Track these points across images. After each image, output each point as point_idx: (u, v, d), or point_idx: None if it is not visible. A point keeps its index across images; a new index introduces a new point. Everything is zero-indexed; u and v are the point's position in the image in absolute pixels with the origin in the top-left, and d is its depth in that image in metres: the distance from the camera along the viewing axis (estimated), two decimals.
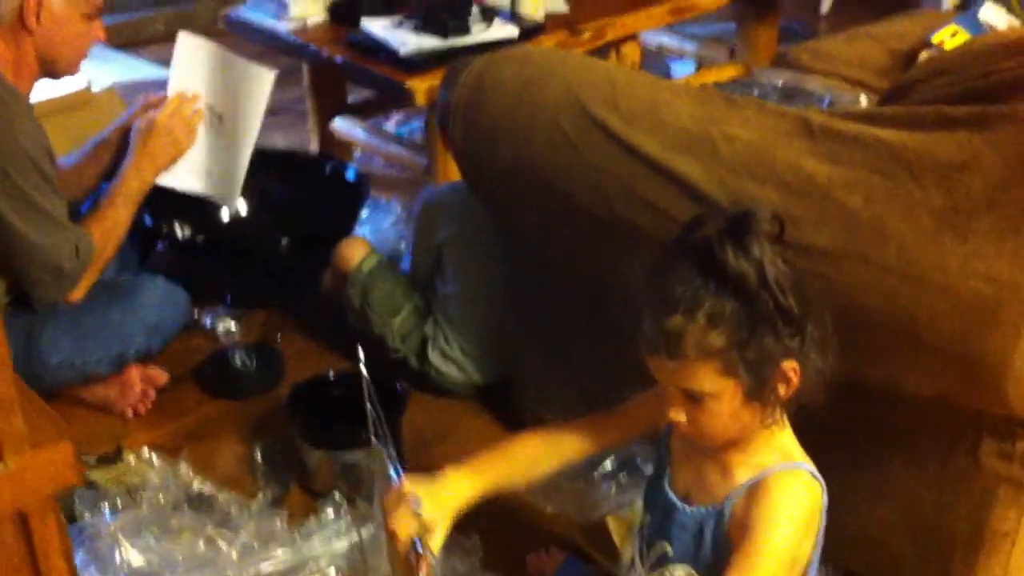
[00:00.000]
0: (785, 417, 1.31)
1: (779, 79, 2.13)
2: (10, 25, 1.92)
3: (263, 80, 2.25)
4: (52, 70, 2.04)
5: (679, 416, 1.26)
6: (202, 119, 2.19)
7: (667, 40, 3.38)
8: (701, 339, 1.19)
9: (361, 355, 1.54)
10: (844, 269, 1.44)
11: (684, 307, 1.19)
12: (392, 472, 1.39)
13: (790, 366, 1.23)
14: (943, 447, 1.52)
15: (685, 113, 1.63)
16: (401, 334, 2.18)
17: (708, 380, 1.22)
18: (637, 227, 1.64)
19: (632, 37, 2.82)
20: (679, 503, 1.34)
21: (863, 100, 2.04)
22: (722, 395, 1.23)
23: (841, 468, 1.52)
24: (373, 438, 1.45)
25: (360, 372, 1.47)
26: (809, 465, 1.29)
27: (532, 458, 1.46)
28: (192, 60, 2.22)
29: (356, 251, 2.25)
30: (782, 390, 1.25)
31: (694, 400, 1.24)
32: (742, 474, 1.29)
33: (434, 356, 2.15)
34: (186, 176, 2.20)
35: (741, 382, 1.22)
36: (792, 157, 1.50)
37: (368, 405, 1.46)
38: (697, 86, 1.82)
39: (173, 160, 2.16)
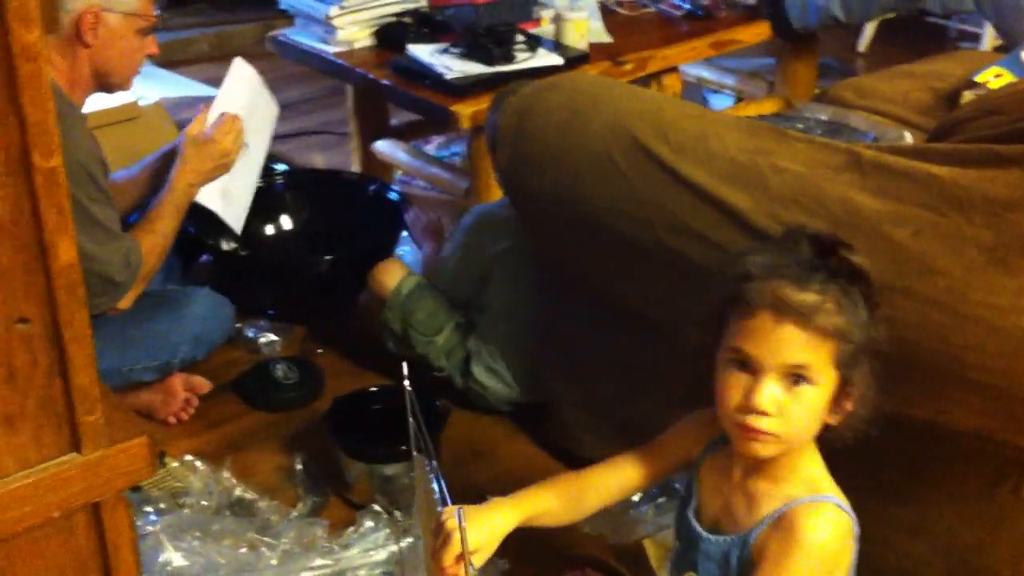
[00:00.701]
0: (815, 447, 1.32)
1: (823, 114, 2.15)
2: (66, 38, 1.96)
3: (274, 113, 2.34)
4: (106, 84, 2.09)
5: (768, 403, 1.22)
6: (241, 127, 2.23)
7: (706, 73, 3.41)
8: (834, 317, 1.21)
9: (405, 369, 1.53)
10: (891, 302, 1.46)
11: (821, 281, 1.21)
12: (435, 485, 1.41)
13: (858, 383, 1.25)
14: (985, 484, 1.52)
15: (734, 144, 1.65)
16: (445, 351, 2.20)
17: (822, 362, 1.22)
18: (683, 256, 1.66)
19: (673, 69, 2.86)
20: (704, 533, 1.35)
21: (907, 137, 2.06)
22: (824, 385, 1.23)
23: (879, 502, 1.53)
24: (415, 451, 1.47)
25: (404, 386, 1.48)
26: (837, 497, 1.29)
27: (576, 496, 1.46)
28: (240, 86, 2.27)
29: (393, 274, 2.26)
30: (848, 406, 1.26)
31: (795, 382, 1.22)
32: (768, 505, 1.29)
33: (479, 372, 2.17)
34: (207, 193, 2.22)
35: (838, 379, 1.23)
36: (841, 190, 1.52)
37: (411, 417, 1.48)
38: (746, 119, 1.85)
39: (220, 173, 2.19)
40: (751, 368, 1.23)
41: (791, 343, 1.21)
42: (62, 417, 0.84)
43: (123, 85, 2.13)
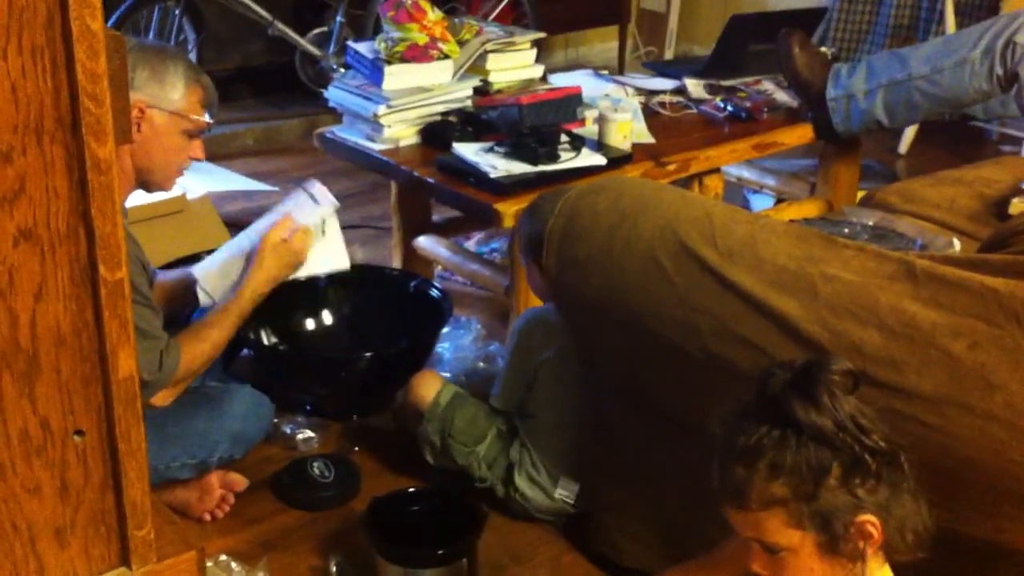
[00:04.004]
0: (881, 561, 1.29)
1: (870, 219, 2.14)
2: None
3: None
4: (146, 182, 2.07)
5: (761, 570, 1.26)
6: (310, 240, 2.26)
7: (747, 173, 3.43)
8: (763, 489, 1.20)
9: None
10: (947, 416, 1.43)
11: (747, 457, 1.21)
12: None
13: (867, 520, 1.21)
14: None
15: (783, 251, 1.64)
16: (487, 461, 2.15)
17: (777, 532, 1.22)
18: (730, 363, 1.64)
19: (716, 170, 2.87)
20: None
21: (956, 244, 2.04)
22: (796, 548, 1.22)
23: None
24: None
25: None
26: None
27: None
28: (312, 203, 2.29)
29: (430, 386, 2.22)
30: (862, 545, 1.23)
31: (771, 552, 1.24)
32: None
33: (521, 481, 2.13)
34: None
35: (811, 535, 1.21)
36: (894, 300, 1.50)
37: None
38: (795, 225, 1.84)
39: (276, 280, 2.21)
40: None
41: (744, 525, 1.24)
42: (112, 531, 0.83)
43: (163, 185, 2.10)
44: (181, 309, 2.28)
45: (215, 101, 2.14)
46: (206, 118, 2.09)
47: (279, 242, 2.19)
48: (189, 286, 2.26)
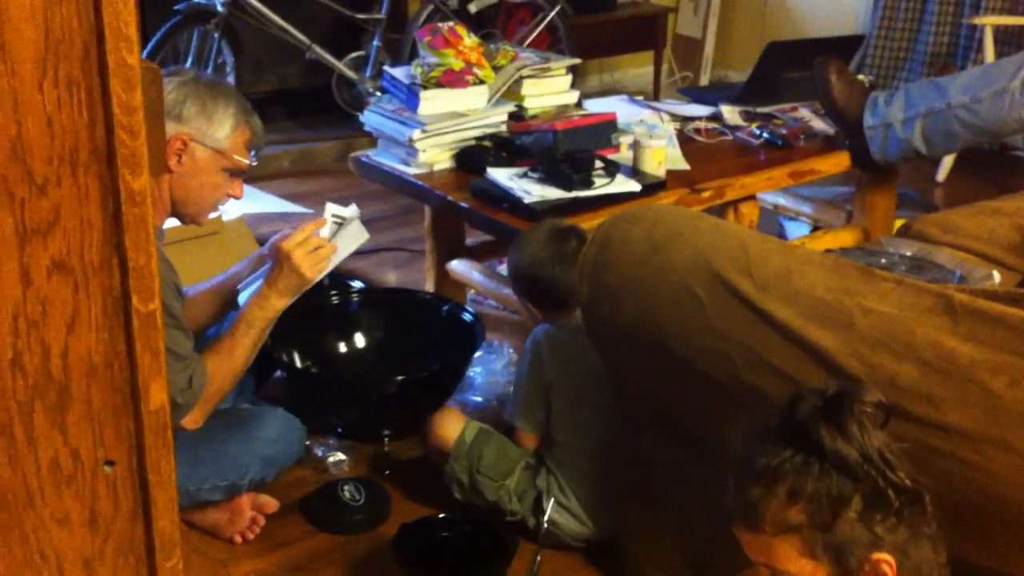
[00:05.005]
0: None
1: (907, 250, 2.12)
2: None
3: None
4: (181, 213, 2.07)
5: None
6: (330, 252, 2.20)
7: (783, 200, 3.40)
8: (779, 513, 1.17)
9: None
10: (984, 454, 1.41)
11: (766, 479, 1.19)
12: None
13: (883, 559, 1.18)
14: None
15: (820, 283, 1.62)
16: (517, 494, 2.14)
17: (789, 559, 1.19)
18: (763, 394, 1.62)
19: (751, 197, 2.85)
20: None
21: (996, 277, 2.01)
22: None
23: None
24: None
25: None
26: None
27: None
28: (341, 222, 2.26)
29: (453, 425, 2.19)
30: None
31: None
32: None
33: (550, 509, 2.12)
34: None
35: (823, 567, 1.18)
36: (932, 334, 1.48)
37: None
38: (831, 256, 1.82)
39: (297, 290, 2.13)
40: None
41: (755, 548, 1.21)
42: (141, 562, 0.83)
43: (197, 219, 2.10)
44: (210, 324, 2.28)
45: (262, 144, 2.14)
46: (248, 160, 2.09)
47: (297, 247, 2.10)
48: (215, 300, 2.25)
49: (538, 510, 2.13)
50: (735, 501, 1.22)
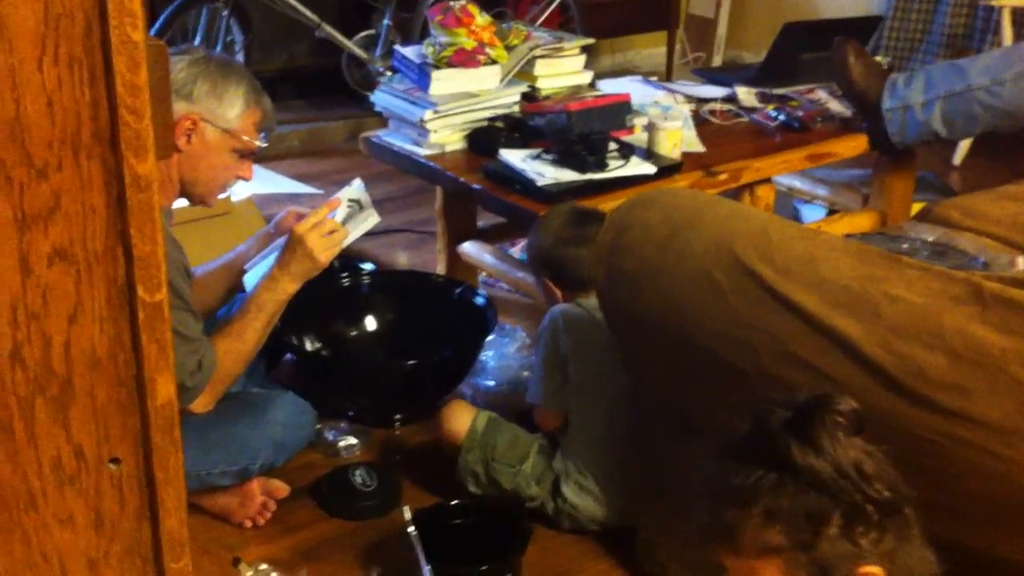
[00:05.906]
0: None
1: (929, 235, 2.07)
2: None
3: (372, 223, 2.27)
4: (189, 193, 2.05)
5: None
6: (343, 237, 2.17)
7: (798, 183, 3.36)
8: (758, 535, 1.13)
9: (407, 514, 1.75)
10: (1015, 446, 1.37)
11: (740, 499, 1.14)
12: None
13: (869, 571, 1.14)
14: None
15: (845, 270, 1.58)
16: (535, 478, 2.11)
17: None
18: (786, 383, 1.58)
19: (767, 180, 2.81)
20: None
21: (1020, 262, 1.97)
22: None
23: None
24: None
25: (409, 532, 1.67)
26: None
27: None
28: (351, 203, 2.22)
29: (462, 417, 2.16)
30: None
31: None
32: None
33: (568, 491, 2.08)
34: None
35: None
36: (961, 323, 1.44)
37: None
38: (855, 241, 1.78)
39: (308, 274, 2.10)
40: None
41: (731, 566, 1.16)
42: (148, 563, 0.80)
43: (206, 199, 2.07)
44: (219, 304, 2.25)
45: (273, 126, 2.11)
46: (258, 141, 2.06)
47: (310, 230, 2.07)
48: (223, 281, 2.22)
49: (556, 493, 2.10)
50: (710, 521, 1.17)
